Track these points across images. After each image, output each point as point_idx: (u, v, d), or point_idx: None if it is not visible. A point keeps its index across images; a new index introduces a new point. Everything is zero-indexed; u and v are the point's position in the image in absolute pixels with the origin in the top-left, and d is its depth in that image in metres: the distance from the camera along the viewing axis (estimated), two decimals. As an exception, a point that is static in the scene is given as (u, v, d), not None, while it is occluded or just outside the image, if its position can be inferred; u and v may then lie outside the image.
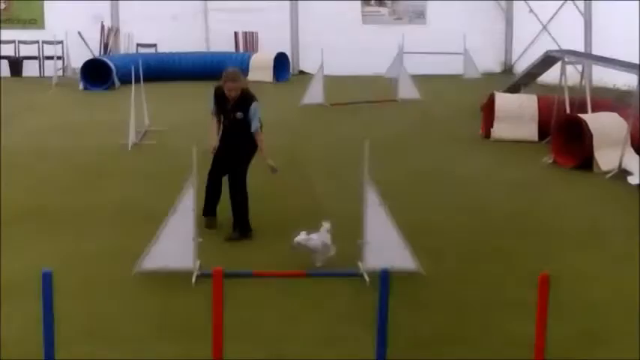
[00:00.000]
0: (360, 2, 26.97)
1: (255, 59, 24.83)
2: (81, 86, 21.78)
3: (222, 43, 26.30)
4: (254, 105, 8.57)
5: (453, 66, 25.01)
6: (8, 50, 25.47)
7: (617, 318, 6.29)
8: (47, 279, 4.33)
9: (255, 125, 8.46)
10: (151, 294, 6.65)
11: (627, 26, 18.84)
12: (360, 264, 7.02)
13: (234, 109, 8.49)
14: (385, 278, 4.58)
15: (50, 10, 25.87)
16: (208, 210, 8.55)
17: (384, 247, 6.92)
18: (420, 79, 20.07)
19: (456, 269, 7.43)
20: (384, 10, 27.18)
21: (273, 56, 24.59)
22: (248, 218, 8.36)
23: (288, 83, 24.09)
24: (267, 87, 23.16)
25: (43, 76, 24.67)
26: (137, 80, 13.72)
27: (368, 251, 6.96)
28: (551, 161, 12.05)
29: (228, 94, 8.50)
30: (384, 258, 6.70)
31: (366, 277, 6.85)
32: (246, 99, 8.57)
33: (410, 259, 6.98)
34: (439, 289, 6.86)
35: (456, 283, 7.04)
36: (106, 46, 26.17)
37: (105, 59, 22.74)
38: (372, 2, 27.14)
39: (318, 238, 7.35)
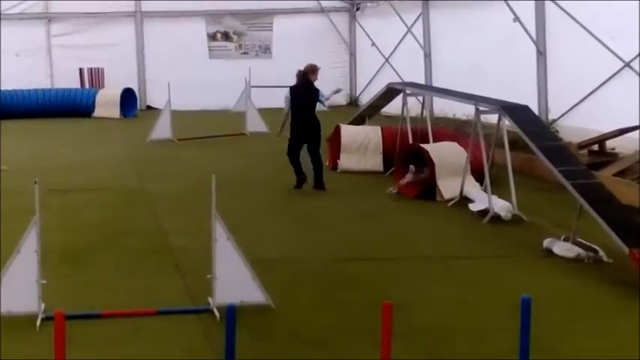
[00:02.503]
0: (206, 37, 27.06)
1: (101, 95, 24.53)
2: None
3: (67, 80, 25.81)
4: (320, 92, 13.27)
5: (299, 99, 25.31)
6: None
7: (461, 341, 6.52)
8: None
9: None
10: (-6, 340, 6.44)
11: (464, 58, 19.62)
12: (210, 299, 7.02)
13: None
14: (231, 314, 4.62)
15: None
16: (300, 172, 12.72)
17: (234, 281, 6.94)
18: (268, 113, 20.29)
19: (307, 301, 7.52)
20: (230, 45, 27.38)
21: (119, 92, 24.31)
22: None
23: (136, 119, 23.89)
24: (114, 123, 22.95)
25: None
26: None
27: (218, 286, 6.97)
28: (395, 191, 12.38)
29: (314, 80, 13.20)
30: (234, 292, 6.74)
31: (216, 313, 6.86)
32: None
33: (259, 293, 7.03)
34: (290, 321, 6.93)
35: (306, 314, 7.13)
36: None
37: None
38: (219, 37, 27.27)
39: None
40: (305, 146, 12.91)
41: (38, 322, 6.61)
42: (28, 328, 6.54)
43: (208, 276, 7.02)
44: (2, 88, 24.97)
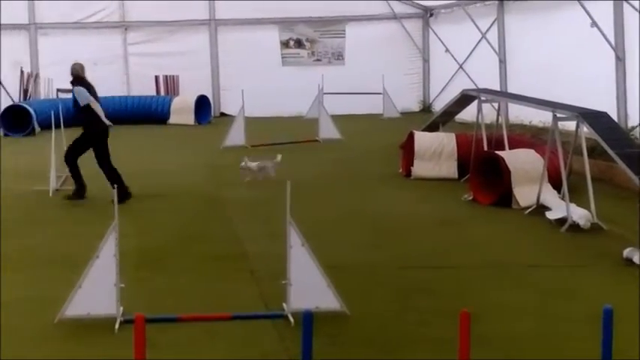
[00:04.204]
0: (279, 45, 27.22)
1: (176, 102, 24.86)
2: (0, 132, 21.44)
3: (143, 87, 26.23)
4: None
5: (372, 106, 25.36)
6: None
7: (538, 350, 6.41)
8: None
9: None
10: (74, 342, 6.54)
11: (540, 64, 19.36)
12: (284, 305, 7.03)
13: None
14: (308, 320, 4.60)
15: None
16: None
17: (308, 287, 6.94)
18: (341, 119, 20.32)
19: (381, 307, 7.48)
20: (303, 52, 27.50)
21: (194, 99, 24.61)
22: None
23: (210, 126, 24.15)
24: (189, 129, 23.24)
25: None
26: (57, 125, 13.57)
27: (292, 292, 6.98)
28: (470, 198, 12.27)
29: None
30: (309, 298, 6.73)
31: (291, 318, 6.86)
32: None
33: (334, 299, 7.01)
34: (364, 328, 6.89)
35: (380, 321, 7.09)
36: (25, 91, 25.87)
37: (24, 105, 22.46)
38: (292, 44, 27.41)
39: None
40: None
41: (117, 325, 6.70)
42: (106, 331, 6.63)
43: (283, 282, 7.02)
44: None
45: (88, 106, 12.28)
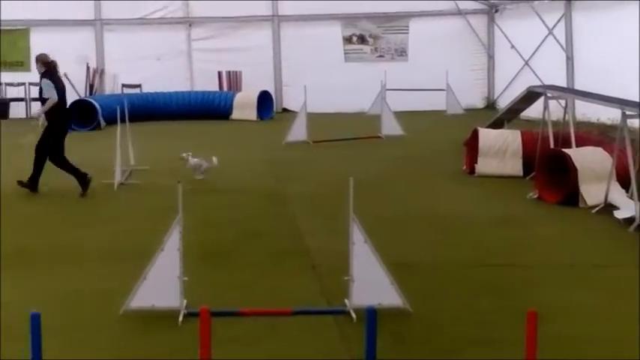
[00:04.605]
0: (342, 41, 27.16)
1: (238, 98, 24.98)
2: (66, 127, 21.76)
3: (206, 83, 26.42)
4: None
5: (435, 102, 25.17)
6: (-5, 93, 25.56)
7: (607, 351, 6.27)
8: (35, 321, 4.28)
9: None
10: (139, 333, 6.60)
11: (608, 60, 19.01)
12: (346, 301, 6.98)
13: None
14: (372, 317, 4.56)
15: (36, 53, 25.89)
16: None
17: (371, 283, 6.89)
18: (403, 116, 20.19)
19: (444, 306, 7.39)
20: (366, 48, 27.41)
21: (256, 95, 24.70)
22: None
23: (272, 121, 24.21)
24: (251, 125, 23.34)
25: (31, 117, 24.62)
26: (122, 120, 13.73)
27: (354, 288, 6.93)
28: (536, 196, 12.08)
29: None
30: (371, 295, 6.68)
31: (353, 314, 6.81)
32: None
33: (396, 296, 6.94)
34: (427, 326, 6.81)
35: (443, 320, 7.00)
36: (91, 87, 26.26)
37: (91, 100, 22.77)
38: (355, 40, 27.34)
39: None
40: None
41: (180, 318, 6.73)
42: (170, 323, 6.67)
43: (345, 278, 6.98)
44: (144, 91, 25.81)
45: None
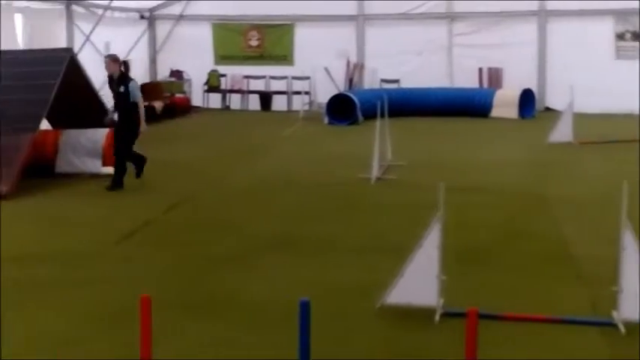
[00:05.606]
0: (613, 37, 25.79)
1: (499, 95, 24.51)
2: (326, 120, 22.36)
3: (466, 79, 26.14)
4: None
5: None
6: (259, 85, 26.77)
7: None
8: (305, 308, 4.38)
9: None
10: (397, 329, 6.54)
11: None
12: (614, 313, 6.55)
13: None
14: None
15: (300, 47, 26.91)
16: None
17: (642, 296, 6.41)
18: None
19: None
20: (639, 45, 25.90)
21: (518, 92, 24.13)
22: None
23: (534, 120, 23.54)
24: (511, 123, 22.86)
25: (291, 110, 25.61)
26: (382, 115, 13.80)
27: (623, 300, 6.48)
28: None
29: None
30: (642, 307, 6.23)
31: (622, 328, 6.37)
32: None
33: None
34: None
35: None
36: (350, 81, 26.77)
37: (350, 95, 23.22)
38: (628, 37, 25.87)
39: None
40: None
41: (437, 317, 6.61)
42: (426, 321, 6.56)
43: (613, 288, 6.55)
44: (403, 86, 25.96)
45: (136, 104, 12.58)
